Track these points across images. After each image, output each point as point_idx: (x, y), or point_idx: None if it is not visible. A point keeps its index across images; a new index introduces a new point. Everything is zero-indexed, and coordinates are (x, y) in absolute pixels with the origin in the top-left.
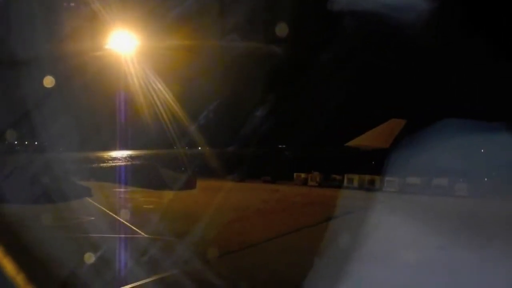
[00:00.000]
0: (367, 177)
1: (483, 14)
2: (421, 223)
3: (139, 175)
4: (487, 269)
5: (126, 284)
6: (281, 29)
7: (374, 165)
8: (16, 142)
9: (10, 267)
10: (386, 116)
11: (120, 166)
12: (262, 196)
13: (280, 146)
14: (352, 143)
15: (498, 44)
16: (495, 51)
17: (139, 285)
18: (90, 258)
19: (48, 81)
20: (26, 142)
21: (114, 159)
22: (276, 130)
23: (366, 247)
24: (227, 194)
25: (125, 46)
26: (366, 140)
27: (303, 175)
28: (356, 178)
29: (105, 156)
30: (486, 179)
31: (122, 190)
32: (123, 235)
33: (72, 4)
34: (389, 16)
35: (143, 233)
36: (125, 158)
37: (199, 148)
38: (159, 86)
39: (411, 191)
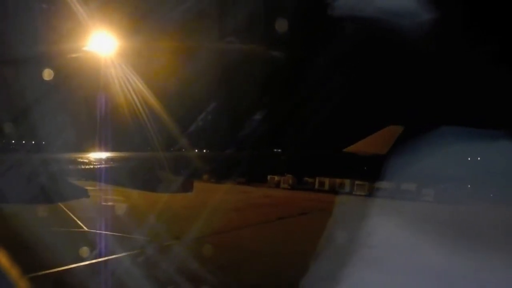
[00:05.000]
0: (337, 180)
1: (483, 21)
2: (367, 225)
3: (135, 176)
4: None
5: None
6: (279, 32)
7: (366, 170)
8: (13, 141)
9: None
10: (383, 123)
11: (114, 167)
12: (227, 197)
13: (275, 150)
14: (350, 149)
15: (498, 51)
16: (495, 58)
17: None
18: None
19: (46, 75)
20: (23, 142)
21: (109, 160)
22: (273, 134)
23: (297, 245)
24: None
25: (113, 49)
26: (364, 146)
27: (276, 178)
28: (326, 181)
29: (99, 158)
30: (469, 186)
31: (114, 191)
32: None
33: (48, 6)
34: (388, 21)
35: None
36: (119, 159)
37: (185, 150)
38: (153, 89)
39: (378, 195)
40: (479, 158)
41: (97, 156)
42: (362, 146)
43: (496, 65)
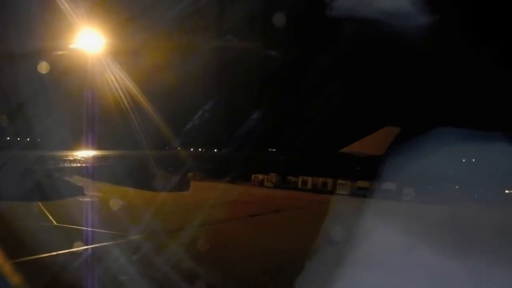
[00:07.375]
0: (320, 180)
1: (481, 23)
2: (334, 223)
3: (130, 175)
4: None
5: None
6: (277, 32)
7: (359, 171)
8: (8, 138)
9: None
10: (380, 124)
11: (111, 165)
12: (206, 195)
13: (270, 149)
14: (347, 149)
15: (496, 52)
16: (493, 59)
17: None
18: None
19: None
20: (19, 138)
21: (106, 158)
22: (270, 134)
23: (258, 240)
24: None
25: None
26: (361, 147)
27: (260, 176)
28: (309, 180)
29: (96, 156)
30: (457, 186)
31: (111, 189)
32: None
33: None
34: (386, 23)
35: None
36: (115, 157)
37: (180, 149)
38: (152, 88)
39: (360, 194)
40: (474, 160)
41: (93, 154)
42: (359, 147)
43: (494, 66)
